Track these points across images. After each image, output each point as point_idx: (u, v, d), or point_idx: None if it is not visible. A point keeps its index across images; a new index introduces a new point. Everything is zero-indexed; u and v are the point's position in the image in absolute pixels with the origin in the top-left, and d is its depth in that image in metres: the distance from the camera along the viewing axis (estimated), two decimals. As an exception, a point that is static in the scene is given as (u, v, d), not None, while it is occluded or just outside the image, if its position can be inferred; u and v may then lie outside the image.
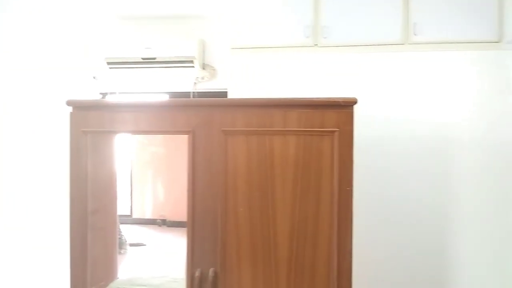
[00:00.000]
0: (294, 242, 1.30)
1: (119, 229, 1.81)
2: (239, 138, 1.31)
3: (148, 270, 1.76)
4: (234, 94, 2.06)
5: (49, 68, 2.54)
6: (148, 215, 2.28)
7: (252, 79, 2.04)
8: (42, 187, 2.50)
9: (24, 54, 2.56)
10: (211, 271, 1.31)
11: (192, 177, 1.32)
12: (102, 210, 1.48)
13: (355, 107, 1.29)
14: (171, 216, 2.16)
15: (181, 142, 1.34)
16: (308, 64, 2.01)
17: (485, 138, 1.92)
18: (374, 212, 1.95)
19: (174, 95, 2.54)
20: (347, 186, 1.28)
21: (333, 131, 1.28)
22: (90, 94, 2.55)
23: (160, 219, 2.16)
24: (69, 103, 1.38)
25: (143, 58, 2.40)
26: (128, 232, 2.02)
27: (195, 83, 2.51)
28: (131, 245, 2.01)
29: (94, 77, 2.56)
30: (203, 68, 2.49)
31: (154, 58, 2.39)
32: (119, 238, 1.88)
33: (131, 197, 2.23)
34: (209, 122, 1.32)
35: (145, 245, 2.09)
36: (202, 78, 2.51)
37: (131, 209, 2.21)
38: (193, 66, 2.42)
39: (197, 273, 1.31)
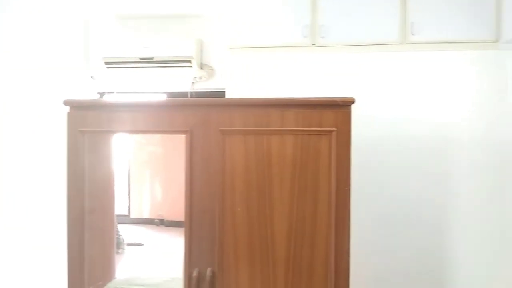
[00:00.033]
0: (292, 241, 1.31)
1: (117, 228, 1.81)
2: (236, 137, 1.32)
3: (146, 270, 1.76)
4: (231, 93, 2.06)
5: (46, 68, 2.53)
6: (146, 215, 2.27)
7: (250, 78, 2.05)
8: (39, 186, 2.49)
9: (22, 54, 2.55)
10: (208, 271, 1.31)
11: (189, 177, 1.32)
12: (99, 209, 1.48)
13: (353, 106, 1.29)
14: (169, 216, 2.16)
15: (179, 141, 1.34)
16: (306, 63, 2.01)
17: (484, 137, 1.92)
18: (372, 211, 1.95)
19: (172, 94, 2.54)
20: (344, 186, 1.28)
21: (330, 131, 1.28)
22: (87, 94, 2.55)
23: (158, 219, 2.15)
24: (66, 102, 1.38)
25: (140, 58, 2.40)
26: (125, 231, 2.02)
27: (193, 82, 2.51)
28: (129, 244, 2.00)
29: (91, 77, 2.55)
30: (201, 68, 2.49)
31: (152, 58, 2.39)
32: (117, 237, 1.88)
33: (129, 197, 2.22)
34: (207, 121, 1.32)
35: (143, 244, 2.09)
36: (200, 77, 2.50)
37: (128, 209, 2.20)
38: (191, 66, 2.41)
39: (194, 273, 1.31)
